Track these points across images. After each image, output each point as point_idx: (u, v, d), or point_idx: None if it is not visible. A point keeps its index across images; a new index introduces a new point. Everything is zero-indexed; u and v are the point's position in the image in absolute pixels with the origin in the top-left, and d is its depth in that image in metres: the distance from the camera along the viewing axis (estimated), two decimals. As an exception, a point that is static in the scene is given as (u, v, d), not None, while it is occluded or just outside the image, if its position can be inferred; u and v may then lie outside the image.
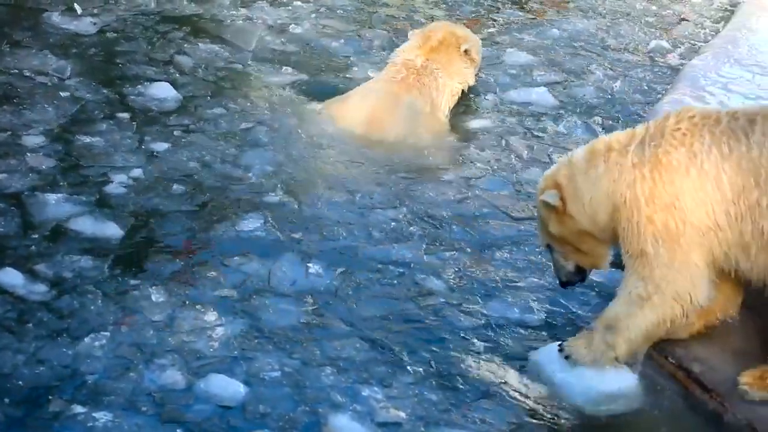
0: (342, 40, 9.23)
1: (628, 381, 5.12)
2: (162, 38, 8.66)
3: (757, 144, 4.64)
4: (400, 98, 7.72)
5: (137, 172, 6.76)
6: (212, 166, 6.99)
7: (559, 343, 5.24)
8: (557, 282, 5.51)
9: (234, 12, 9.36)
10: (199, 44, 8.66)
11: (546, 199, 5.08)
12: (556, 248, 5.30)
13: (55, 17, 8.71)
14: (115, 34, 8.63)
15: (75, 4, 8.88)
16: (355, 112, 7.66)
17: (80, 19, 8.75)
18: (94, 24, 8.73)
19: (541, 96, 8.37)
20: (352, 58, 8.89)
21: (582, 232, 5.12)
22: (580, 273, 5.36)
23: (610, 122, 7.92)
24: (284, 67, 8.52)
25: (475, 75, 8.25)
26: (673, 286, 4.82)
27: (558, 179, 5.11)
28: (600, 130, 7.74)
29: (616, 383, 5.08)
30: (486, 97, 8.42)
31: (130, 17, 8.94)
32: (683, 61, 8.79)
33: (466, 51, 8.06)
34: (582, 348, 5.10)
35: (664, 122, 4.92)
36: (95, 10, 8.95)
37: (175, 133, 7.32)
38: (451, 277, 6.08)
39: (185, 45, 8.62)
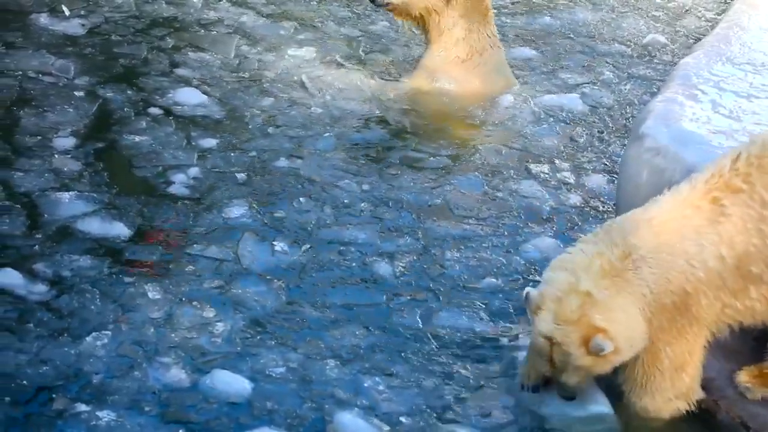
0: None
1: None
2: (153, 39, 8.62)
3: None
4: None
5: (195, 171, 6.82)
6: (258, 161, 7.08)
7: None
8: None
9: (204, 14, 9.29)
10: (188, 43, 8.67)
11: (606, 349, 4.55)
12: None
13: (44, 19, 8.62)
14: (107, 35, 8.57)
15: (63, 5, 8.83)
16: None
17: (68, 20, 8.69)
18: (83, 25, 8.68)
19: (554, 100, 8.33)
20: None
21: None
22: None
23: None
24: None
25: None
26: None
27: (594, 323, 4.57)
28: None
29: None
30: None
31: (115, 18, 8.86)
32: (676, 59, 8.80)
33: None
34: None
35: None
36: (82, 11, 8.88)
37: (216, 128, 7.40)
38: (403, 264, 6.11)
39: (173, 42, 8.64)
